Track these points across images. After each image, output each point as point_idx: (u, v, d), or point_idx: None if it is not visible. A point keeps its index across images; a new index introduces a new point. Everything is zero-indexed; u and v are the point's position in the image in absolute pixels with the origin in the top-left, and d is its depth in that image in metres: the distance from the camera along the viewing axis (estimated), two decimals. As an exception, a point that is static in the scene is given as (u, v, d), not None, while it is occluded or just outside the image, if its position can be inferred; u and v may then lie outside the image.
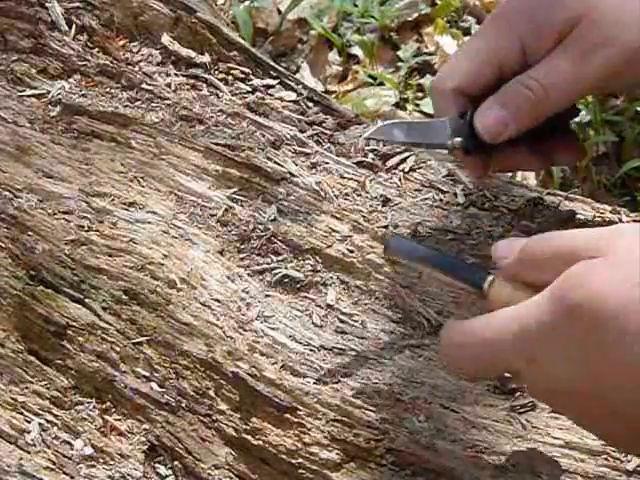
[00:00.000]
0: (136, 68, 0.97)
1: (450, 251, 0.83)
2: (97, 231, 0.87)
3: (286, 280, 0.84)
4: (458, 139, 0.78)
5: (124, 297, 0.83)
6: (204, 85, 0.96)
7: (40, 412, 0.80)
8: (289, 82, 0.96)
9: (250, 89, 0.96)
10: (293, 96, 0.95)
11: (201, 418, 0.78)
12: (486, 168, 0.82)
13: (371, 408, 0.76)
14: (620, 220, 0.85)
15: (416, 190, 0.89)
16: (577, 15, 0.75)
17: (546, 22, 0.76)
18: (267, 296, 0.83)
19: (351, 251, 0.85)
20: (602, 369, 0.59)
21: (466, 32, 1.62)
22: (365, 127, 0.86)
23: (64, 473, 0.77)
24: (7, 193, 0.90)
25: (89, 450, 0.78)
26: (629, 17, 0.75)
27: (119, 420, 0.80)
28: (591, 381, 0.59)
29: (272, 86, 0.96)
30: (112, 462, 0.78)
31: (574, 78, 0.76)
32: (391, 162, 0.91)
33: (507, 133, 0.77)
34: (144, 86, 0.96)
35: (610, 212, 0.85)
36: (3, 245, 0.87)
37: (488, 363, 0.65)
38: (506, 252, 0.67)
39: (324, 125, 0.93)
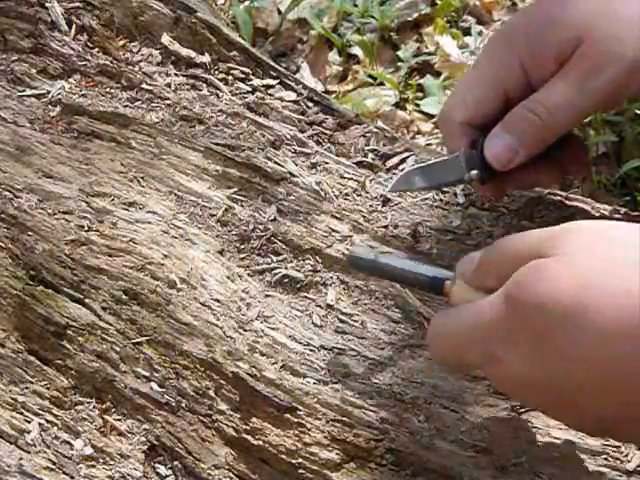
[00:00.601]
0: (136, 68, 0.97)
1: (450, 250, 0.84)
2: (97, 231, 0.87)
3: (286, 280, 0.84)
4: (474, 172, 0.79)
5: (124, 297, 0.83)
6: (204, 85, 0.96)
7: (40, 412, 0.80)
8: (289, 82, 0.96)
9: (250, 89, 0.96)
10: (293, 96, 0.95)
11: (201, 418, 0.78)
12: (503, 191, 0.84)
13: (371, 408, 0.76)
14: (619, 219, 0.85)
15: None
16: (576, 37, 0.75)
17: (546, 46, 0.76)
18: (267, 296, 0.83)
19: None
20: (555, 365, 0.61)
21: (466, 32, 1.62)
22: (387, 179, 0.87)
23: (64, 473, 0.77)
24: (7, 193, 0.90)
25: (89, 450, 0.78)
26: (628, 33, 0.74)
27: (119, 420, 0.80)
28: (546, 376, 0.62)
29: (272, 86, 0.96)
30: (112, 462, 0.78)
31: (579, 99, 0.76)
32: (391, 162, 0.91)
33: (517, 159, 0.78)
34: (144, 86, 0.96)
35: (610, 212, 0.85)
36: (3, 245, 0.87)
37: (455, 357, 0.68)
38: (467, 265, 0.70)
39: (324, 125, 0.93)
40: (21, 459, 0.78)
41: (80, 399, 0.81)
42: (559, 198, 0.87)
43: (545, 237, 0.65)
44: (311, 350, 0.80)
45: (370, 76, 1.56)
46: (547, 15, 0.76)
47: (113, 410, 0.80)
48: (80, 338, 0.82)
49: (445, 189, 0.88)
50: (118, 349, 0.81)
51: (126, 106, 0.95)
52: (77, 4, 1.01)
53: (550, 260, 0.62)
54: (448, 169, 0.80)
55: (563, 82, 0.76)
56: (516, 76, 0.77)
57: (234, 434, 0.77)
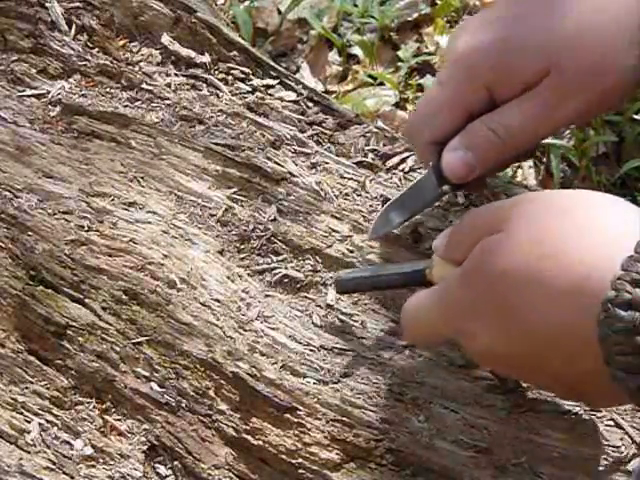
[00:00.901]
0: (136, 68, 0.97)
1: None
2: (97, 231, 0.87)
3: (286, 280, 0.84)
4: (446, 187, 0.80)
5: (124, 297, 0.83)
6: (204, 85, 0.96)
7: (40, 412, 0.80)
8: (289, 82, 0.96)
9: (250, 89, 0.96)
10: (293, 96, 0.95)
11: (201, 418, 0.78)
12: (482, 186, 0.84)
13: (371, 408, 0.76)
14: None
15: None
16: (544, 67, 0.75)
17: (514, 71, 0.76)
18: (267, 296, 0.83)
19: (351, 251, 0.85)
20: (517, 334, 0.66)
21: (466, 32, 1.62)
22: (369, 230, 0.86)
23: (64, 473, 0.77)
24: (7, 193, 0.90)
25: (89, 450, 0.78)
26: (598, 63, 0.75)
27: (119, 420, 0.80)
28: (511, 345, 0.67)
29: (272, 86, 0.96)
30: (112, 462, 0.78)
31: (545, 121, 0.77)
32: (391, 162, 0.91)
33: (474, 175, 0.78)
34: (144, 86, 0.96)
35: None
36: (3, 245, 0.87)
37: (427, 335, 0.74)
38: (440, 240, 0.74)
39: (324, 125, 0.93)
40: (21, 459, 0.78)
41: (80, 399, 0.81)
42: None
43: (498, 212, 0.69)
44: (311, 350, 0.80)
45: (370, 76, 1.56)
46: (516, 40, 0.76)
47: (113, 410, 0.80)
48: (80, 338, 0.82)
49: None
50: (118, 349, 0.81)
51: (126, 106, 0.95)
52: (77, 4, 1.01)
53: (503, 235, 0.67)
54: (422, 191, 0.81)
55: (529, 104, 0.76)
56: (482, 101, 0.77)
57: (234, 434, 0.77)
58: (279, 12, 1.54)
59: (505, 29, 0.77)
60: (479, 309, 0.68)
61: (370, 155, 0.91)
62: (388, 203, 0.82)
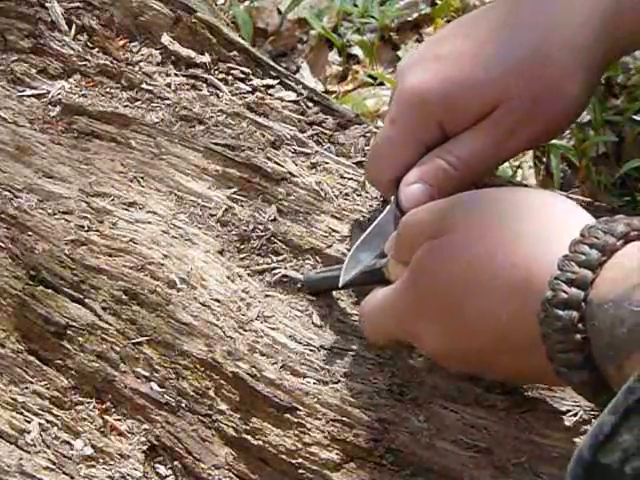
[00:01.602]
0: (136, 68, 0.97)
1: None
2: (97, 231, 0.87)
3: (286, 280, 0.84)
4: None
5: (124, 297, 0.83)
6: (204, 85, 0.96)
7: (40, 412, 0.80)
8: (289, 82, 0.96)
9: (250, 89, 0.96)
10: (293, 96, 0.95)
11: (201, 418, 0.78)
12: None
13: (371, 408, 0.76)
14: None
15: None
16: (493, 101, 0.77)
17: (463, 109, 0.78)
18: (267, 296, 0.83)
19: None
20: (460, 337, 0.69)
21: (466, 32, 1.62)
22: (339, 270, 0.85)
23: (64, 473, 0.77)
24: (7, 193, 0.90)
25: (89, 450, 0.78)
26: (544, 95, 0.77)
27: (119, 420, 0.80)
28: (456, 346, 0.70)
29: (272, 86, 0.96)
30: (112, 462, 0.78)
31: (496, 152, 0.79)
32: (391, 162, 0.91)
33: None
34: (144, 86, 0.96)
35: (610, 212, 0.85)
36: (3, 245, 0.87)
37: (382, 336, 0.76)
38: (391, 242, 0.76)
39: (324, 125, 0.93)
40: (21, 459, 0.78)
41: (80, 399, 0.81)
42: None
43: (440, 213, 0.71)
44: (311, 350, 0.80)
45: (370, 76, 1.56)
46: (464, 76, 0.78)
47: (113, 410, 0.80)
48: (80, 338, 0.82)
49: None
50: (118, 349, 0.81)
51: (126, 106, 0.95)
52: (77, 4, 1.01)
53: (444, 238, 0.69)
54: (386, 227, 0.81)
55: (478, 137, 0.78)
56: (434, 133, 0.80)
57: (234, 434, 0.77)
58: (279, 12, 1.54)
59: (454, 64, 0.79)
60: (425, 312, 0.71)
61: (370, 155, 0.91)
62: (355, 245, 0.81)
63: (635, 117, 1.20)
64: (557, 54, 0.77)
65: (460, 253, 0.68)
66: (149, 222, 0.87)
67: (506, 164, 1.19)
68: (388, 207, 0.82)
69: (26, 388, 0.81)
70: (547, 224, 0.67)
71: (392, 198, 0.82)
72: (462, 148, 0.79)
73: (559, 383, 0.66)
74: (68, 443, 0.79)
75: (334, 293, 0.83)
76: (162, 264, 0.84)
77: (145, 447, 0.78)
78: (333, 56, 1.58)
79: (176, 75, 0.97)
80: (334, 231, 0.86)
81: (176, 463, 0.78)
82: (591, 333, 0.62)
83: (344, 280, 0.80)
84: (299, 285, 0.83)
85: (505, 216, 0.68)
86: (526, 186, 0.91)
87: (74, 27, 1.00)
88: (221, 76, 0.97)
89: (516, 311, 0.66)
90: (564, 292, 0.62)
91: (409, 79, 0.79)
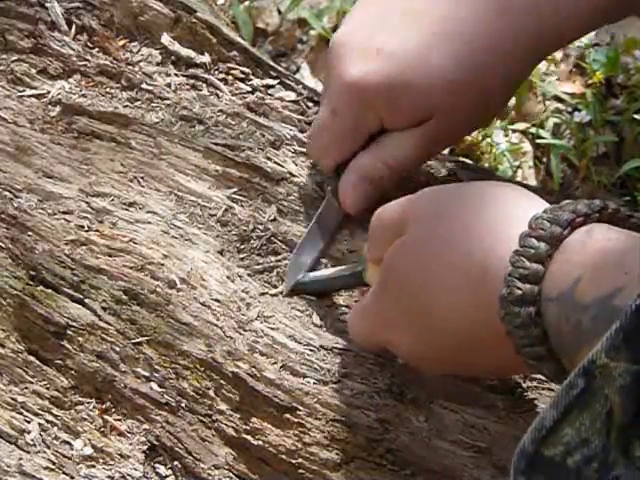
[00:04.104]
0: (136, 68, 0.97)
1: None
2: (97, 231, 0.87)
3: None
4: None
5: (124, 297, 0.83)
6: (204, 85, 0.96)
7: (40, 412, 0.80)
8: (289, 82, 0.96)
9: (250, 89, 0.96)
10: (293, 96, 0.95)
11: (201, 418, 0.78)
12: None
13: (371, 408, 0.76)
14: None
15: (416, 190, 0.89)
16: (431, 111, 0.80)
17: (405, 111, 0.81)
18: (266, 295, 0.83)
19: (351, 251, 0.85)
20: (426, 339, 0.70)
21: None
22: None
23: (64, 473, 0.77)
24: (7, 193, 0.90)
25: (89, 450, 0.78)
26: (477, 104, 0.81)
27: (119, 420, 0.80)
28: (424, 348, 0.71)
29: (272, 86, 0.96)
30: (112, 462, 0.78)
31: (429, 152, 0.84)
32: (391, 162, 0.91)
33: (370, 204, 0.82)
34: (144, 86, 0.96)
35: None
36: (3, 245, 0.87)
37: (366, 342, 0.76)
38: (367, 243, 0.77)
39: (324, 125, 0.93)
40: (21, 459, 0.78)
41: (80, 399, 0.81)
42: (559, 198, 0.87)
43: (401, 212, 0.72)
44: (311, 350, 0.80)
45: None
46: (404, 79, 0.79)
47: (113, 410, 0.80)
48: (80, 338, 0.82)
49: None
50: (118, 349, 0.81)
51: (126, 106, 0.95)
52: (77, 4, 1.01)
53: (405, 239, 0.70)
54: (325, 221, 0.84)
55: (415, 140, 0.81)
56: (374, 127, 0.82)
57: (234, 434, 0.77)
58: (279, 12, 1.54)
59: (398, 63, 0.80)
60: (394, 318, 0.71)
61: (370, 155, 0.91)
62: (295, 250, 0.83)
63: (635, 116, 1.20)
64: (491, 65, 0.80)
65: (420, 252, 0.69)
66: (149, 222, 0.87)
67: (506, 164, 1.20)
68: (325, 201, 0.84)
69: (26, 388, 0.81)
70: (498, 216, 0.67)
71: (328, 188, 0.84)
72: (397, 148, 0.82)
73: (535, 372, 0.67)
74: (68, 443, 0.79)
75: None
76: (162, 264, 0.84)
77: (145, 447, 0.78)
78: (333, 56, 1.58)
79: (176, 75, 0.97)
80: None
81: (176, 463, 0.78)
82: (546, 327, 0.62)
83: (286, 288, 0.82)
84: (283, 288, 0.83)
85: (461, 212, 0.69)
86: (526, 187, 0.91)
87: (74, 27, 1.00)
88: (221, 76, 0.97)
89: (476, 310, 0.66)
90: (518, 288, 0.62)
91: (350, 70, 0.80)
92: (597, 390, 0.52)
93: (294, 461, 0.75)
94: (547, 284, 0.62)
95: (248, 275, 0.85)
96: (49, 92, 0.97)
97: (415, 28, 0.80)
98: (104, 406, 0.80)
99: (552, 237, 0.63)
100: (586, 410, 0.53)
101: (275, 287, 0.84)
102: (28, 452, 0.78)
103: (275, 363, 0.79)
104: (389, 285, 0.72)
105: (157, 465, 0.78)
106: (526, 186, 0.90)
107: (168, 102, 0.95)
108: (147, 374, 0.80)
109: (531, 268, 0.62)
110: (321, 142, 0.84)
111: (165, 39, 0.98)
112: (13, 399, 0.81)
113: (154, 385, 0.80)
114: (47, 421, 0.80)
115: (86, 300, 0.84)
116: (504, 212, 0.68)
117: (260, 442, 0.76)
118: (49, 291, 0.84)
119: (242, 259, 0.86)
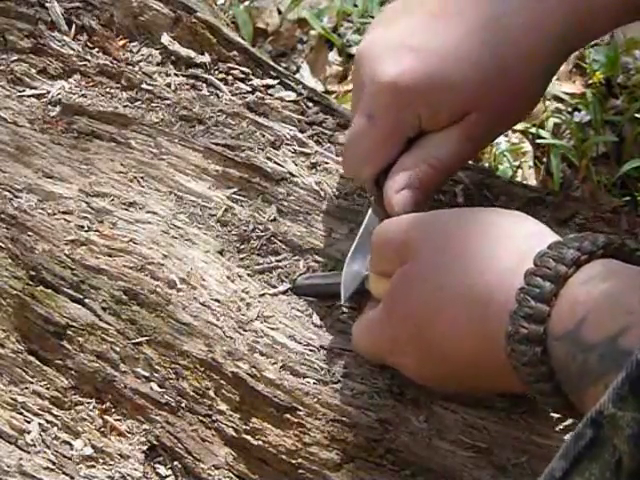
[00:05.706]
0: (136, 68, 0.97)
1: None
2: (97, 231, 0.87)
3: (286, 280, 0.84)
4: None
5: (124, 297, 0.83)
6: (204, 85, 0.96)
7: (40, 412, 0.80)
8: (289, 82, 0.96)
9: (250, 89, 0.96)
10: (293, 96, 0.95)
11: (201, 418, 0.78)
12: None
13: (371, 408, 0.76)
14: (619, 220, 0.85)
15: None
16: (467, 109, 0.79)
17: (441, 107, 0.79)
18: (267, 296, 0.83)
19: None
20: (432, 364, 0.72)
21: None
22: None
23: (64, 473, 0.77)
24: (7, 193, 0.90)
25: (89, 450, 0.78)
26: (513, 102, 0.80)
27: (119, 420, 0.80)
28: (430, 372, 0.73)
29: (272, 86, 0.96)
30: (112, 462, 0.78)
31: (472, 151, 0.83)
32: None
33: (420, 208, 0.80)
34: (144, 86, 0.96)
35: (610, 212, 0.85)
36: (3, 245, 0.87)
37: (369, 358, 0.77)
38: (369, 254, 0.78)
39: (324, 125, 0.93)
40: (21, 459, 0.78)
41: (80, 399, 0.81)
42: (559, 198, 0.87)
43: (403, 239, 0.72)
44: (311, 350, 0.80)
45: (370, 76, 1.55)
46: (443, 75, 0.78)
47: (113, 410, 0.80)
48: (80, 338, 0.82)
49: (444, 188, 0.88)
50: (118, 349, 0.81)
51: (126, 106, 0.95)
52: (77, 4, 1.01)
53: (409, 268, 0.71)
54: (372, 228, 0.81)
55: (456, 137, 0.79)
56: (414, 128, 0.80)
57: (234, 434, 0.77)
58: (279, 12, 1.54)
59: (431, 60, 0.78)
60: (399, 343, 0.72)
61: (370, 155, 0.91)
62: (347, 259, 0.81)
63: (636, 115, 1.20)
64: (525, 62, 0.78)
65: (422, 285, 0.70)
66: (149, 222, 0.87)
67: (506, 164, 1.20)
68: (370, 210, 0.82)
69: (26, 388, 0.81)
70: (499, 247, 0.68)
71: (372, 199, 0.82)
72: (441, 150, 0.79)
73: (542, 405, 0.68)
74: (68, 443, 0.79)
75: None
76: (162, 264, 0.84)
77: (145, 447, 0.78)
78: (333, 56, 1.58)
79: (176, 75, 0.97)
80: (334, 231, 0.86)
81: (176, 463, 0.78)
82: (553, 365, 0.63)
83: (345, 297, 0.80)
84: (289, 288, 0.83)
85: (462, 241, 0.69)
86: (526, 187, 0.91)
87: (74, 27, 1.00)
88: (221, 76, 0.97)
89: (482, 341, 0.67)
90: (524, 328, 0.63)
91: (386, 70, 0.78)
92: (605, 440, 0.52)
93: (294, 461, 0.75)
94: (553, 323, 0.63)
95: (248, 275, 0.85)
96: (49, 92, 0.97)
97: (446, 26, 0.79)
98: (104, 406, 0.80)
99: (557, 276, 0.63)
100: (595, 460, 0.53)
101: (275, 287, 0.84)
102: (28, 452, 0.78)
103: (275, 363, 0.79)
104: (395, 312, 0.73)
105: (157, 465, 0.78)
106: (526, 186, 0.91)
107: (168, 102, 0.95)
108: (147, 374, 0.80)
109: (536, 308, 0.63)
110: (359, 151, 0.81)
111: (165, 39, 0.98)
112: (13, 399, 0.81)
113: (154, 385, 0.80)
114: (47, 421, 0.80)
115: (86, 300, 0.84)
116: (505, 243, 0.68)
117: (260, 442, 0.76)
118: (49, 291, 0.84)
119: (242, 259, 0.86)
